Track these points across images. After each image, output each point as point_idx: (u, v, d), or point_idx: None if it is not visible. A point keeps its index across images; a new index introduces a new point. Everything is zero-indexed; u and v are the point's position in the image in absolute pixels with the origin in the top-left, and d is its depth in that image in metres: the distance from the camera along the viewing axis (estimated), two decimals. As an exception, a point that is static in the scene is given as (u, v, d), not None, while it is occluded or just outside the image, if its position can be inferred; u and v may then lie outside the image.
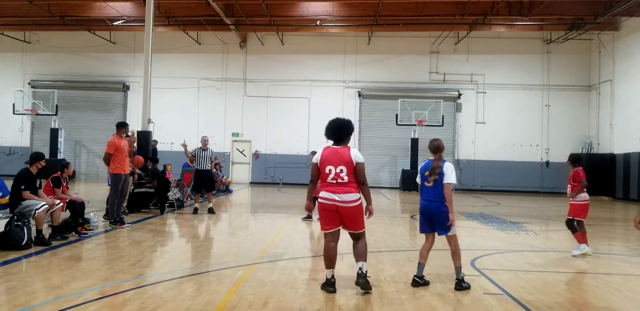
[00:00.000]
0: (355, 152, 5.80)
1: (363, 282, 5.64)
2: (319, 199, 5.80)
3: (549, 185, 26.34)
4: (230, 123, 27.80)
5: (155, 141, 16.76)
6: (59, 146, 26.69)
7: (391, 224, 9.58)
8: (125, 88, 28.09)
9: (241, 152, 27.96)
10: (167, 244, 8.91)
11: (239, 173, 27.81)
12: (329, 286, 5.71)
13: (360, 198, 5.75)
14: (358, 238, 5.82)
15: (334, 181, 5.71)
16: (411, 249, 8.70)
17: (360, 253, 5.77)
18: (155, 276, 6.37)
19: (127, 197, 11.57)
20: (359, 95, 27.34)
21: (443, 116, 25.26)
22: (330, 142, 5.97)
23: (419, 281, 6.07)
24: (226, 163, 26.37)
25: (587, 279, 6.76)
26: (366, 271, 5.73)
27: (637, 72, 22.24)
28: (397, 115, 25.35)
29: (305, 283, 6.14)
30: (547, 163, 26.67)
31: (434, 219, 6.09)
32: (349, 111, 27.18)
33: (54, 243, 8.25)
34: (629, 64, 22.98)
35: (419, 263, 6.14)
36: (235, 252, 8.23)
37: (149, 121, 15.31)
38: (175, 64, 27.45)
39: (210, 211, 13.19)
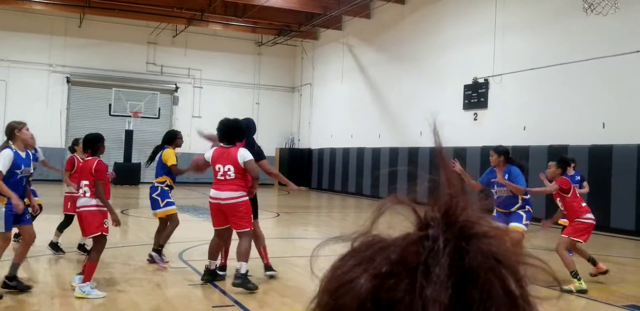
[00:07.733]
0: None
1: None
2: None
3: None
4: None
5: None
6: None
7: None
8: None
9: None
10: None
11: None
12: None
13: None
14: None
15: None
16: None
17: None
18: None
19: None
20: (68, 81, 25.33)
21: (160, 108, 25.17)
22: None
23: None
24: None
25: (278, 261, 7.69)
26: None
27: (331, 78, 25.54)
28: (110, 105, 24.36)
29: None
30: (256, 156, 28.73)
31: None
32: (56, 98, 25.04)
33: None
34: (325, 70, 26.22)
35: None
36: None
37: None
38: None
39: None
